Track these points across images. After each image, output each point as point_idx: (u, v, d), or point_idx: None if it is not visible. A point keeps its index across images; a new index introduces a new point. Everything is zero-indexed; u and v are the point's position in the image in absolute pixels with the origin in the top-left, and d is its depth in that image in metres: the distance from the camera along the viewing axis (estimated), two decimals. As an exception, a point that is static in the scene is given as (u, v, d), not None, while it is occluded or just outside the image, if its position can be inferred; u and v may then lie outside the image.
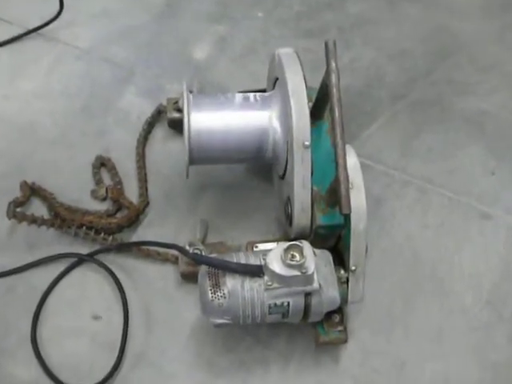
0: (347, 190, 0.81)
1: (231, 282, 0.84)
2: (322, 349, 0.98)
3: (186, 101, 0.94)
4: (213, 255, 0.91)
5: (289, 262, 0.82)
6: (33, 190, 1.10)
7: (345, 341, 0.95)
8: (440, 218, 1.12)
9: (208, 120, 0.95)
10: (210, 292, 0.84)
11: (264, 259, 0.84)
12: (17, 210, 1.04)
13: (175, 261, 1.04)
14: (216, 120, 0.96)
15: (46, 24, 1.34)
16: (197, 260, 0.89)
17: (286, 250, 0.83)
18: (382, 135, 1.22)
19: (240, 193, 1.13)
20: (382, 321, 1.02)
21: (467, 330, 1.01)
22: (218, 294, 0.84)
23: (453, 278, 1.06)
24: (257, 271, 0.84)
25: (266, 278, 0.84)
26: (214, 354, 0.98)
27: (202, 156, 0.97)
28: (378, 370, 0.98)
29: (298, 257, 0.83)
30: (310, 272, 0.82)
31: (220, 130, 0.95)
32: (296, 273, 0.82)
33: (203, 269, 0.87)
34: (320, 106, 0.95)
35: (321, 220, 0.90)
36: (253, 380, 0.97)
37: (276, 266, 0.82)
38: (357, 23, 1.40)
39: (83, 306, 1.02)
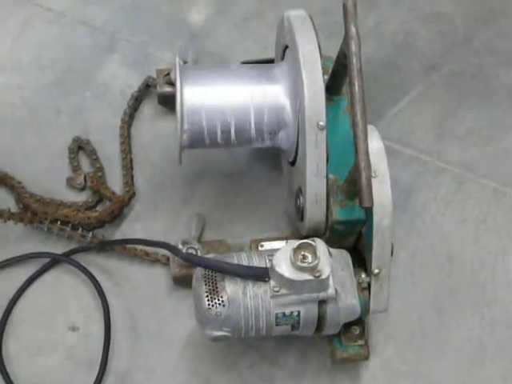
0: (369, 179, 0.81)
1: (231, 288, 0.85)
2: (340, 367, 1.00)
3: (178, 72, 0.94)
4: (210, 255, 0.92)
5: (299, 263, 0.83)
6: (-3, 179, 1.11)
7: (366, 357, 0.96)
8: (481, 213, 1.13)
9: (204, 95, 0.96)
10: (206, 299, 0.85)
11: (270, 260, 0.85)
12: (-21, 202, 1.06)
13: (166, 262, 1.05)
14: (214, 96, 0.96)
15: (14, -19, 1.35)
16: (191, 261, 0.90)
17: (296, 249, 0.83)
18: (412, 113, 1.23)
19: (242, 182, 1.14)
20: (411, 335, 1.03)
21: (513, 346, 1.03)
22: (216, 301, 0.85)
23: (496, 284, 1.07)
24: (262, 275, 0.85)
25: (272, 282, 0.85)
26: (211, 372, 1.00)
27: (198, 138, 0.97)
28: (405, 394, 0.99)
29: (310, 258, 0.83)
30: (324, 276, 0.83)
31: (218, 108, 0.96)
32: (308, 277, 0.83)
33: (198, 272, 0.88)
34: (337, 79, 0.95)
35: (338, 214, 0.91)
36: (257, 402, 0.99)
37: (284, 268, 0.83)
38: (384, -21, 1.40)
39: (57, 315, 1.04)
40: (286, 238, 1.03)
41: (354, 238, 0.95)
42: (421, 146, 1.19)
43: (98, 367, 0.98)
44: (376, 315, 0.98)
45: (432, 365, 1.01)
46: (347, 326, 0.94)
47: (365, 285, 0.91)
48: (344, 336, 0.95)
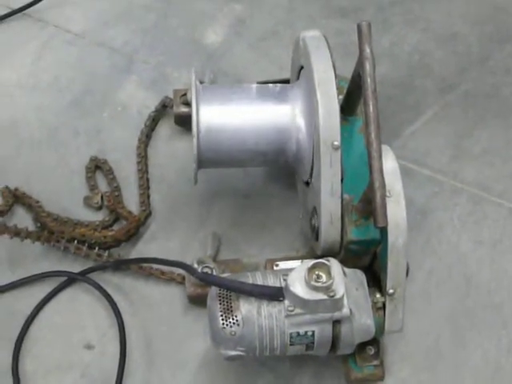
0: (383, 198, 0.81)
1: (246, 307, 0.85)
2: (355, 388, 0.99)
3: (194, 92, 0.95)
4: (225, 275, 0.92)
5: (314, 283, 0.82)
6: (16, 198, 1.12)
7: (381, 378, 0.95)
8: (497, 233, 1.12)
9: (220, 115, 0.97)
10: (220, 318, 0.85)
11: (285, 280, 0.85)
12: (-3, 221, 1.07)
13: (182, 281, 1.05)
14: (229, 115, 0.97)
15: (34, 3, 1.37)
16: (206, 280, 0.90)
17: (311, 269, 0.83)
18: (427, 133, 1.23)
19: (258, 202, 1.15)
20: (427, 356, 1.02)
21: (531, 368, 1.01)
22: (231, 320, 0.85)
23: (513, 305, 1.06)
24: (276, 294, 0.85)
25: (286, 302, 0.84)
26: (226, 392, 1.00)
27: (213, 158, 0.98)
28: (421, 415, 0.98)
29: (324, 277, 0.83)
30: (338, 296, 0.83)
31: (234, 128, 0.97)
32: (322, 296, 0.83)
33: (213, 291, 0.88)
34: (352, 99, 0.95)
35: (352, 234, 0.91)
36: (273, 423, 0.98)
37: (299, 288, 0.83)
38: (398, 0, 1.40)
39: (73, 334, 1.04)
40: (302, 258, 1.02)
41: (368, 258, 0.95)
42: (436, 166, 1.19)
43: (113, 386, 0.98)
44: (391, 335, 0.97)
45: (448, 386, 1.00)
46: (362, 346, 0.93)
47: (380, 305, 0.91)
48: (359, 356, 0.95)
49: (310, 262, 0.84)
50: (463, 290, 1.07)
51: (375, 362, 0.95)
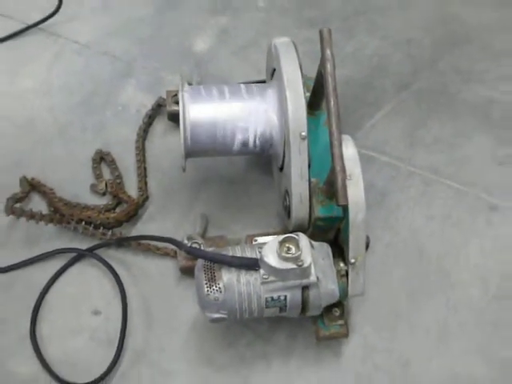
0: (344, 180, 0.81)
1: (227, 276, 0.85)
2: (324, 344, 0.99)
3: (181, 92, 0.94)
4: (210, 249, 0.91)
5: (284, 254, 0.82)
6: (32, 186, 1.11)
7: (346, 335, 0.95)
8: (446, 210, 1.12)
9: (204, 112, 0.96)
10: (205, 286, 0.85)
11: (260, 252, 0.85)
12: (15, 206, 1.05)
13: (174, 255, 1.05)
14: (212, 112, 0.96)
15: (46, 19, 1.35)
16: (192, 253, 0.90)
17: (282, 242, 0.83)
18: (386, 125, 1.22)
19: (241, 186, 1.14)
20: (386, 316, 1.02)
21: (474, 325, 1.01)
22: (214, 288, 0.85)
23: (459, 271, 1.06)
24: (252, 264, 0.85)
25: (262, 271, 0.84)
26: (214, 349, 0.99)
27: (198, 148, 0.97)
28: (381, 367, 0.98)
29: (293, 249, 0.83)
30: (306, 265, 0.83)
31: (216, 122, 0.96)
32: (292, 266, 0.82)
33: (199, 263, 0.87)
34: (317, 96, 0.95)
35: (319, 212, 0.91)
36: (254, 376, 0.98)
37: (271, 259, 0.83)
38: (362, 10, 1.39)
39: (83, 302, 1.03)
40: (277, 234, 1.00)
41: (333, 233, 0.94)
42: (394, 154, 1.18)
43: (116, 346, 0.98)
44: (355, 299, 0.97)
45: (403, 342, 1.00)
46: (329, 309, 0.93)
47: (343, 272, 0.90)
48: (326, 317, 0.94)
49: (281, 237, 0.84)
50: (416, 259, 1.07)
51: (340, 322, 0.95)
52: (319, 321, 0.95)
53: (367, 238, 0.99)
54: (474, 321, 1.01)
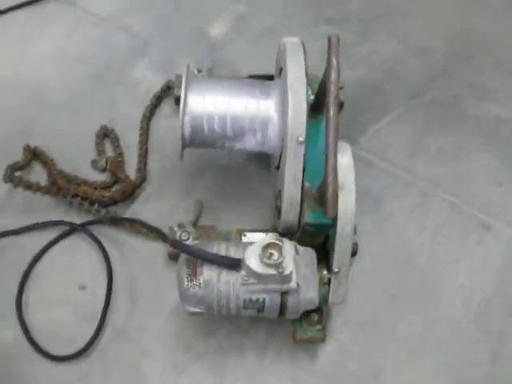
0: (334, 192, 0.75)
1: (208, 273, 0.80)
2: (300, 345, 0.94)
3: (184, 82, 0.88)
4: (195, 242, 0.87)
5: (266, 260, 0.77)
6: (34, 155, 1.07)
7: (322, 340, 0.91)
8: (439, 224, 1.05)
9: (204, 103, 0.89)
10: (186, 280, 0.81)
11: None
12: (14, 175, 1.01)
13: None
14: (213, 104, 0.89)
15: (68, -12, 1.29)
16: (176, 247, 0.84)
17: (265, 247, 0.78)
18: (390, 131, 1.14)
19: (238, 177, 1.08)
20: (365, 325, 0.96)
21: (450, 343, 0.96)
22: (194, 282, 0.80)
23: (443, 288, 1.00)
24: (234, 264, 0.80)
25: (243, 272, 0.79)
26: (192, 336, 0.95)
27: (196, 139, 0.91)
28: (352, 374, 0.93)
29: (276, 255, 0.77)
30: (287, 272, 0.77)
31: (215, 115, 0.89)
32: (273, 272, 0.77)
33: (183, 256, 0.82)
34: (320, 101, 0.88)
35: (309, 218, 0.85)
36: (228, 366, 0.94)
37: (253, 262, 0.77)
38: (382, 14, 1.29)
39: (71, 275, 0.99)
40: (268, 231, 0.97)
41: (322, 239, 0.89)
42: (394, 161, 1.11)
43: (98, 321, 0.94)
44: (336, 305, 0.92)
45: (378, 350, 0.95)
46: (308, 313, 0.88)
47: (325, 280, 0.85)
48: (305, 320, 0.89)
49: (265, 241, 0.78)
50: (403, 270, 1.01)
51: (318, 327, 0.90)
52: (298, 323, 0.90)
53: (355, 245, 0.94)
54: (449, 339, 0.96)
